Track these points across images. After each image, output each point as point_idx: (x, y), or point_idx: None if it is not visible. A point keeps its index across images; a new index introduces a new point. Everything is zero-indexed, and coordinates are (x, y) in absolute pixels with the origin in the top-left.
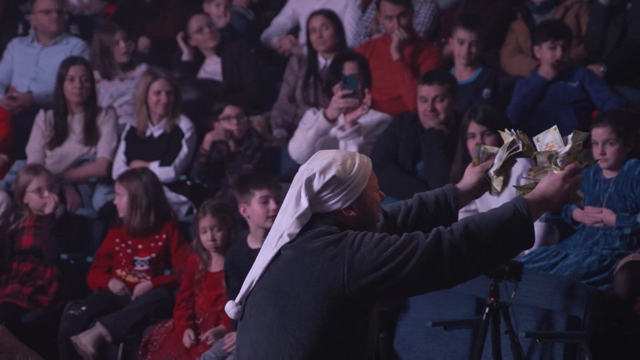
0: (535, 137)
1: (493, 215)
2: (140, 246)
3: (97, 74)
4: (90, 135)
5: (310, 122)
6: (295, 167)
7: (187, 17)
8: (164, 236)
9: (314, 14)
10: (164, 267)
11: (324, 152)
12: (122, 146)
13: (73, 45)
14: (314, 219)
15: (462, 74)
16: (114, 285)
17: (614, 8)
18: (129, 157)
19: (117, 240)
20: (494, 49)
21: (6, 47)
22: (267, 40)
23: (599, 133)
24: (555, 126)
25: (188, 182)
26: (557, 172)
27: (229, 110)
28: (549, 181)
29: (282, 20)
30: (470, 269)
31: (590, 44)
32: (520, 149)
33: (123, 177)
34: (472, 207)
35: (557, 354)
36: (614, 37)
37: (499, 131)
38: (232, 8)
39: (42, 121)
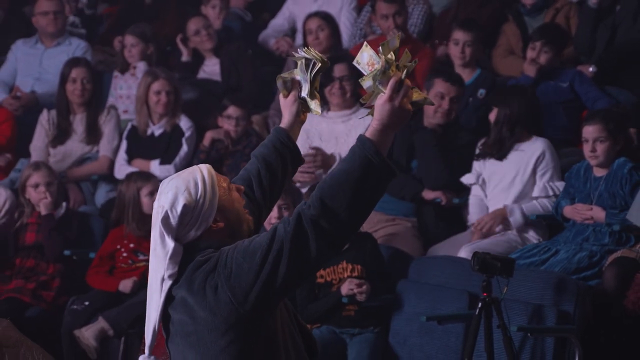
0: (355, 61)
1: (342, 173)
2: (142, 241)
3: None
4: (92, 135)
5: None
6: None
7: (186, 18)
8: None
9: (310, 15)
10: None
11: (166, 184)
12: (124, 145)
13: (75, 46)
14: (190, 249)
15: (461, 75)
16: (125, 287)
17: (603, 10)
18: (130, 155)
19: (119, 238)
20: (486, 50)
21: (10, 48)
22: (265, 42)
23: (589, 131)
24: (364, 42)
25: None
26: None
27: (231, 110)
28: (379, 108)
29: (279, 21)
30: (341, 233)
31: (580, 45)
32: (318, 65)
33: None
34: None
35: (547, 348)
36: (604, 38)
37: (294, 54)
38: (230, 9)
39: (45, 120)
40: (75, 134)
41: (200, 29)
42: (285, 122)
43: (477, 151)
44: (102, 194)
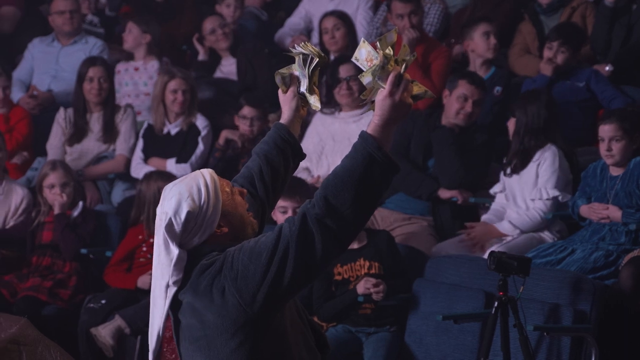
0: (353, 57)
1: (345, 170)
2: None
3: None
4: (109, 134)
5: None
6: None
7: (202, 17)
8: None
9: (326, 14)
10: None
11: (168, 190)
12: (140, 143)
13: (92, 45)
14: (194, 254)
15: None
16: (143, 283)
17: (620, 9)
18: (147, 154)
19: (139, 236)
20: (502, 49)
21: (27, 46)
22: (281, 41)
23: (605, 130)
24: (362, 38)
25: None
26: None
27: (246, 111)
28: (379, 103)
29: (295, 20)
30: (347, 230)
31: (596, 44)
32: (316, 60)
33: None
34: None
35: (564, 347)
36: (620, 37)
37: (291, 50)
38: (246, 8)
39: (62, 119)
40: (92, 133)
41: (216, 28)
42: (285, 117)
43: (504, 162)
44: (118, 193)
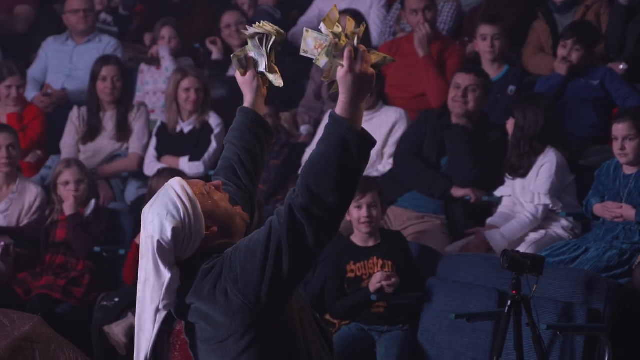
0: (301, 51)
1: (322, 155)
2: None
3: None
4: (122, 132)
5: None
6: None
7: (215, 15)
8: None
9: (340, 13)
10: None
11: (146, 213)
12: (153, 142)
13: (106, 44)
14: (193, 261)
15: (490, 72)
16: None
17: (634, 8)
18: (160, 152)
19: None
20: (516, 47)
21: (41, 45)
22: (294, 39)
23: (619, 128)
24: (304, 28)
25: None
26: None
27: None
28: (342, 80)
29: (308, 19)
30: (333, 215)
31: (611, 42)
32: (272, 38)
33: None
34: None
35: (577, 346)
36: (634, 36)
37: (243, 32)
38: (260, 7)
39: (75, 117)
40: (105, 131)
41: (232, 24)
42: (248, 100)
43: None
44: (131, 191)
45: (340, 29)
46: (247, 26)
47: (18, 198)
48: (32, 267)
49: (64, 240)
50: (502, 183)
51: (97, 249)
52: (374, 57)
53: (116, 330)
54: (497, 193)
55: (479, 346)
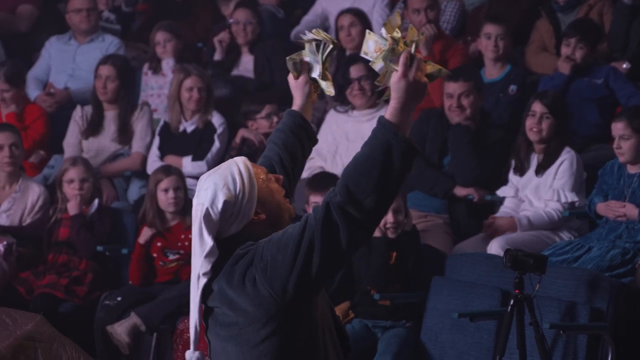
0: (362, 52)
1: (365, 158)
2: (170, 238)
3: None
4: (124, 135)
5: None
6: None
7: (219, 15)
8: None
9: (343, 12)
10: None
11: (204, 180)
12: (156, 141)
13: (109, 43)
14: (231, 242)
15: (492, 72)
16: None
17: (638, 7)
18: (163, 151)
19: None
20: (519, 47)
21: (44, 44)
22: (297, 38)
23: (616, 128)
24: (367, 31)
25: None
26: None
27: (267, 109)
28: (394, 86)
29: (311, 18)
30: (370, 217)
31: (614, 41)
32: (329, 46)
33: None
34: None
35: (580, 345)
36: (638, 34)
37: (301, 37)
38: (263, 6)
39: (78, 117)
40: (108, 131)
41: (240, 20)
42: (297, 103)
43: (512, 164)
44: (134, 190)
45: (399, 35)
46: (305, 31)
47: (21, 197)
48: (35, 266)
49: (66, 239)
50: (504, 182)
51: (99, 248)
52: (430, 68)
53: (119, 329)
54: (500, 193)
55: (482, 345)
